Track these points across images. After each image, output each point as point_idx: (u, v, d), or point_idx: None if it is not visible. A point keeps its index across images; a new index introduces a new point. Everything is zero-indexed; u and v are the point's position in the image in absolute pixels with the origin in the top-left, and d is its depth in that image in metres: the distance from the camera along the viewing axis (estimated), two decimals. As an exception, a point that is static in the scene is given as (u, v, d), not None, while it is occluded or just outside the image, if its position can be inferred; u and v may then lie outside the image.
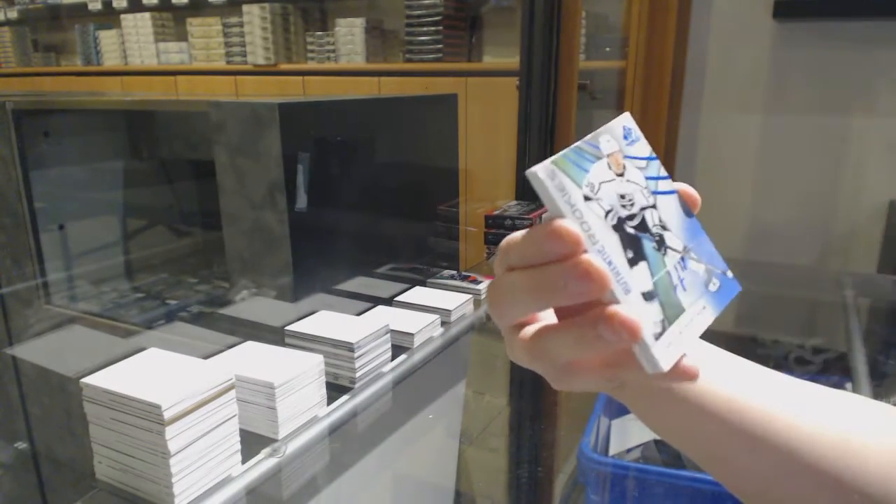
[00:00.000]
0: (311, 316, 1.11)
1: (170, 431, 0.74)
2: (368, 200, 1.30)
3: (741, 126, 2.31)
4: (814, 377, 1.47)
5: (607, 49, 2.58)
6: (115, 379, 0.78)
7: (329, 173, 1.17)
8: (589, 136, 0.34)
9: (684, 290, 0.35)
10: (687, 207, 0.37)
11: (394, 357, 1.11)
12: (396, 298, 1.29)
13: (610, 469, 1.08)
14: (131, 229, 1.73)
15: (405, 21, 3.05)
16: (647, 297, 0.33)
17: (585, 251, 0.31)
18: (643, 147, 0.36)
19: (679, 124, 2.37)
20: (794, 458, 0.38)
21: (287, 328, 1.07)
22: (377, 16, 3.30)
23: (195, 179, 1.79)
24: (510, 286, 0.33)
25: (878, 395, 1.04)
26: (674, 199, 0.37)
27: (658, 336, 0.32)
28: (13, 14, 4.48)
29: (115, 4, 3.91)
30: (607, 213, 0.33)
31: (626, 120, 0.36)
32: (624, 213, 0.34)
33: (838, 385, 1.26)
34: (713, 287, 0.36)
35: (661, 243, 0.35)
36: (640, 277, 0.33)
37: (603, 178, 0.33)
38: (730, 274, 0.37)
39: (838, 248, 2.25)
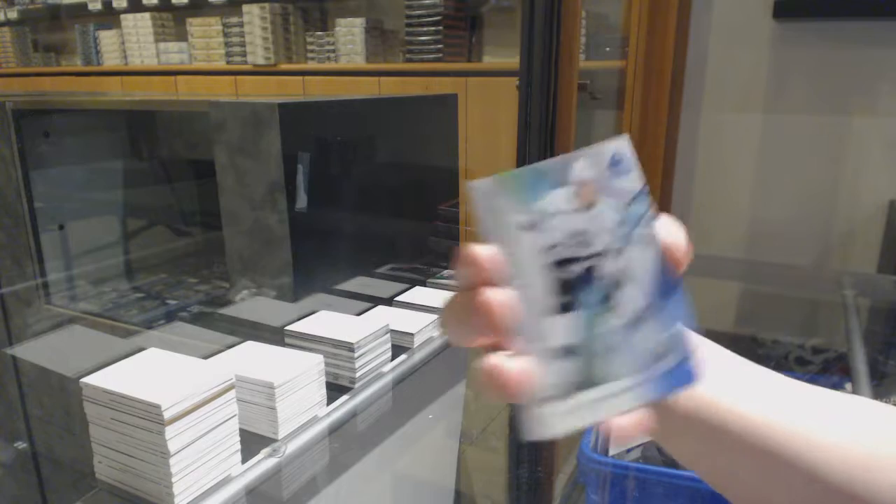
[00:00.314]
0: (311, 316, 1.11)
1: (170, 431, 0.74)
2: (368, 200, 1.30)
3: (741, 126, 2.31)
4: (813, 377, 1.47)
5: (607, 49, 2.58)
6: (114, 379, 0.78)
7: (329, 173, 1.17)
8: (564, 156, 0.29)
9: (620, 357, 0.29)
10: (668, 264, 0.30)
11: (394, 357, 1.11)
12: (396, 298, 1.29)
13: (610, 469, 1.08)
14: (131, 229, 1.73)
15: (405, 21, 3.05)
16: (565, 352, 0.28)
17: (500, 284, 0.28)
18: (633, 179, 0.30)
19: (679, 124, 2.37)
20: (819, 480, 0.35)
21: (287, 328, 1.07)
22: (377, 16, 3.30)
23: (195, 179, 1.79)
24: (446, 306, 0.31)
25: (877, 394, 1.04)
26: (654, 248, 0.30)
27: (552, 400, 0.28)
28: (13, 14, 4.47)
29: (115, 4, 3.91)
30: (550, 247, 0.29)
31: (620, 144, 0.30)
32: (570, 252, 0.29)
33: (838, 385, 1.26)
34: (664, 366, 0.30)
35: (610, 297, 0.29)
36: (564, 329, 0.29)
37: (558, 209, 0.29)
38: (694, 360, 0.30)
39: (838, 247, 2.25)
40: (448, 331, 0.31)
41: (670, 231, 0.30)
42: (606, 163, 0.29)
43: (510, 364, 0.28)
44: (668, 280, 0.30)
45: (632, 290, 0.29)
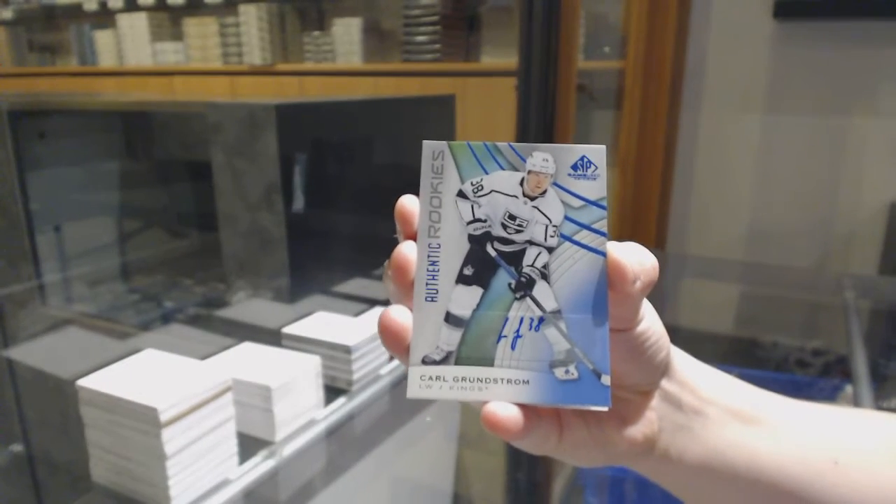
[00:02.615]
0: (308, 317, 1.11)
1: (166, 434, 0.73)
2: (366, 202, 1.29)
3: (741, 126, 2.31)
4: (814, 379, 1.47)
5: (606, 49, 2.58)
6: (111, 381, 0.78)
7: (326, 174, 1.16)
8: (526, 145, 0.29)
9: (513, 349, 0.29)
10: (605, 279, 0.29)
11: (391, 359, 1.11)
12: (394, 300, 1.29)
13: (608, 472, 1.08)
14: (127, 231, 1.73)
15: (403, 21, 3.04)
16: (454, 321, 0.29)
17: (414, 237, 0.29)
18: (594, 188, 0.29)
19: (678, 125, 2.37)
20: None
21: (284, 330, 1.06)
22: (374, 16, 3.29)
23: (191, 181, 1.78)
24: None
25: (878, 397, 1.03)
26: (593, 259, 0.29)
27: (426, 361, 0.28)
28: (8, 14, 4.46)
29: (110, 5, 3.90)
30: (478, 221, 0.29)
31: (591, 151, 0.30)
32: (498, 232, 0.29)
33: (838, 388, 1.26)
34: (565, 375, 0.29)
35: (522, 286, 0.29)
36: (462, 299, 0.29)
37: (500, 188, 0.29)
38: (605, 382, 0.29)
39: (839, 249, 2.25)
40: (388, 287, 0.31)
41: (622, 254, 0.29)
42: (571, 163, 0.29)
43: (391, 313, 0.28)
44: (602, 299, 0.29)
45: (547, 289, 0.29)
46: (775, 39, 2.20)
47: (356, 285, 1.26)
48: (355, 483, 0.93)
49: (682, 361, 0.36)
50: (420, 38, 3.01)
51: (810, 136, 2.21)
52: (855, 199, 2.19)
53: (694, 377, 0.35)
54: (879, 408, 1.02)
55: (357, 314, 1.17)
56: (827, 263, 2.26)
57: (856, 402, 1.01)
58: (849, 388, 1.11)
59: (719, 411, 0.35)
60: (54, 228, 1.51)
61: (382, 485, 1.05)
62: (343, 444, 0.96)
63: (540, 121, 1.74)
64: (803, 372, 1.53)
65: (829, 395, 1.28)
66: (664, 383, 0.34)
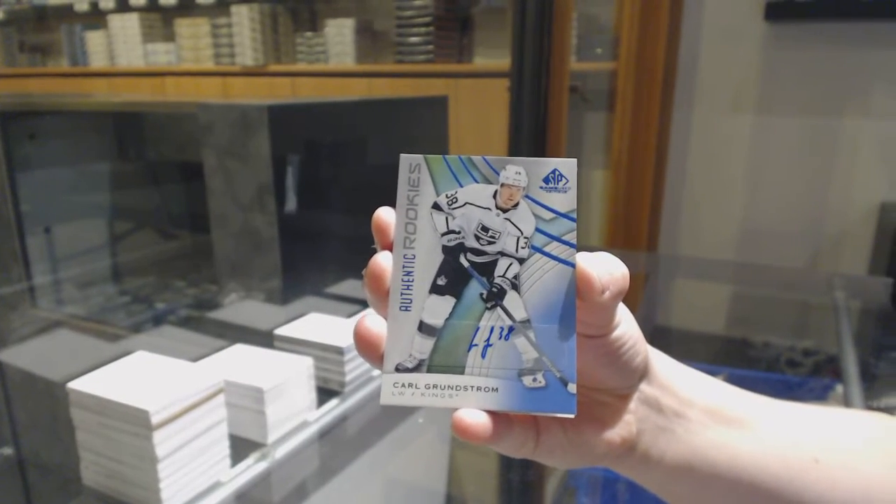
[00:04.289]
0: (301, 319, 1.11)
1: (157, 436, 0.73)
2: (358, 203, 1.29)
3: (732, 127, 2.32)
4: (804, 379, 1.47)
5: (599, 50, 2.58)
6: (101, 383, 0.77)
7: (318, 175, 1.16)
8: (500, 158, 0.30)
9: (483, 357, 0.29)
10: (574, 289, 0.30)
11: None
12: (387, 301, 1.28)
13: (601, 473, 1.08)
14: (119, 232, 1.72)
15: (395, 22, 3.04)
16: (427, 330, 0.29)
17: (389, 248, 0.30)
18: (565, 201, 0.30)
19: (670, 125, 2.38)
20: None
21: (276, 331, 1.06)
22: (367, 16, 3.29)
23: (183, 182, 1.77)
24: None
25: (868, 397, 1.04)
26: (563, 270, 0.30)
27: (399, 369, 0.29)
28: (-1, 15, 4.44)
29: (101, 5, 3.88)
30: (452, 233, 0.30)
31: (563, 165, 0.30)
32: (471, 243, 0.30)
33: (829, 387, 1.27)
34: (533, 382, 0.29)
35: (493, 296, 0.30)
36: (435, 309, 0.29)
37: (474, 201, 0.30)
38: (572, 390, 0.29)
39: (829, 249, 2.26)
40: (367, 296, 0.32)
41: (590, 265, 0.29)
42: (542, 176, 0.30)
43: (366, 322, 0.29)
44: (570, 310, 0.30)
45: (517, 299, 0.30)
46: (766, 41, 2.21)
47: (348, 287, 1.26)
48: (348, 485, 0.92)
49: (662, 364, 0.36)
50: (413, 40, 3.01)
51: (801, 137, 2.22)
52: (845, 200, 2.20)
53: (674, 379, 0.36)
54: (869, 407, 1.02)
55: (349, 315, 1.17)
56: (817, 264, 2.27)
57: (846, 402, 1.02)
58: (839, 388, 1.11)
59: (699, 413, 0.36)
60: (45, 230, 1.51)
61: (375, 486, 1.04)
62: (336, 446, 0.96)
63: (532, 122, 1.75)
64: (794, 372, 1.53)
65: (819, 395, 1.29)
66: (644, 386, 0.35)
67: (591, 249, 0.32)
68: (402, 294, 0.29)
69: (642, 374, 0.34)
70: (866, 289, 1.63)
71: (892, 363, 1.18)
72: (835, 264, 2.26)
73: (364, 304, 1.24)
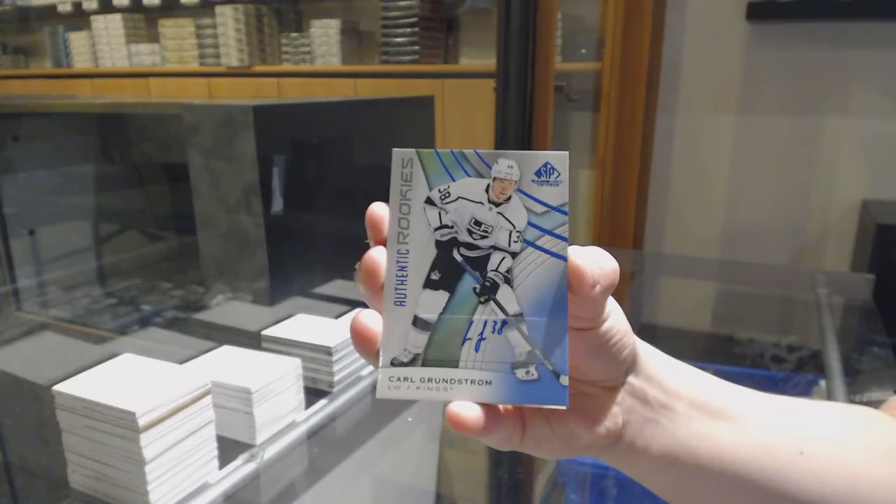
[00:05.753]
0: (288, 319, 1.10)
1: (144, 439, 0.73)
2: (345, 203, 1.29)
3: (716, 127, 2.33)
4: (789, 375, 1.49)
5: (583, 51, 2.60)
6: (87, 386, 0.77)
7: (305, 176, 1.16)
8: (492, 152, 0.30)
9: (477, 351, 0.30)
10: (565, 283, 0.30)
11: (372, 360, 1.11)
12: (374, 301, 1.28)
13: (589, 469, 1.08)
14: (103, 234, 1.71)
15: (381, 23, 3.04)
16: (421, 325, 0.30)
17: (383, 242, 0.30)
18: (557, 194, 0.30)
19: (655, 125, 2.39)
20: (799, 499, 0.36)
21: (264, 332, 1.05)
22: (353, 17, 3.28)
23: (168, 183, 1.77)
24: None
25: (851, 392, 1.05)
26: (555, 263, 0.30)
27: (394, 363, 0.29)
28: (-19, 16, 4.40)
29: (85, 6, 3.85)
30: (445, 227, 0.30)
31: (555, 158, 0.30)
32: (464, 238, 0.30)
33: (813, 383, 1.28)
34: (526, 375, 0.30)
35: (486, 290, 0.30)
36: (429, 303, 0.30)
37: (466, 195, 0.30)
38: (564, 382, 0.30)
39: (812, 247, 2.28)
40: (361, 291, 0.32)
41: (581, 259, 0.30)
42: (534, 169, 0.30)
43: (361, 317, 0.30)
44: (562, 303, 0.30)
45: (510, 293, 0.30)
46: (748, 41, 2.23)
47: (336, 287, 1.26)
48: (337, 485, 0.92)
49: (650, 357, 0.36)
50: (399, 40, 3.01)
51: (783, 136, 2.24)
52: (827, 197, 2.22)
53: (661, 372, 0.36)
54: (852, 401, 1.03)
55: (337, 316, 1.17)
56: (801, 261, 2.29)
57: (830, 397, 1.03)
58: (823, 383, 1.12)
59: (685, 405, 0.36)
60: (29, 232, 1.50)
61: (365, 486, 1.05)
62: (325, 446, 0.96)
63: (518, 121, 1.75)
64: (779, 368, 1.55)
65: (804, 390, 1.30)
66: (631, 379, 0.35)
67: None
68: (396, 289, 0.30)
69: (630, 366, 0.35)
70: (849, 285, 1.65)
71: (875, 358, 1.19)
72: (818, 261, 2.28)
73: (352, 304, 1.24)
